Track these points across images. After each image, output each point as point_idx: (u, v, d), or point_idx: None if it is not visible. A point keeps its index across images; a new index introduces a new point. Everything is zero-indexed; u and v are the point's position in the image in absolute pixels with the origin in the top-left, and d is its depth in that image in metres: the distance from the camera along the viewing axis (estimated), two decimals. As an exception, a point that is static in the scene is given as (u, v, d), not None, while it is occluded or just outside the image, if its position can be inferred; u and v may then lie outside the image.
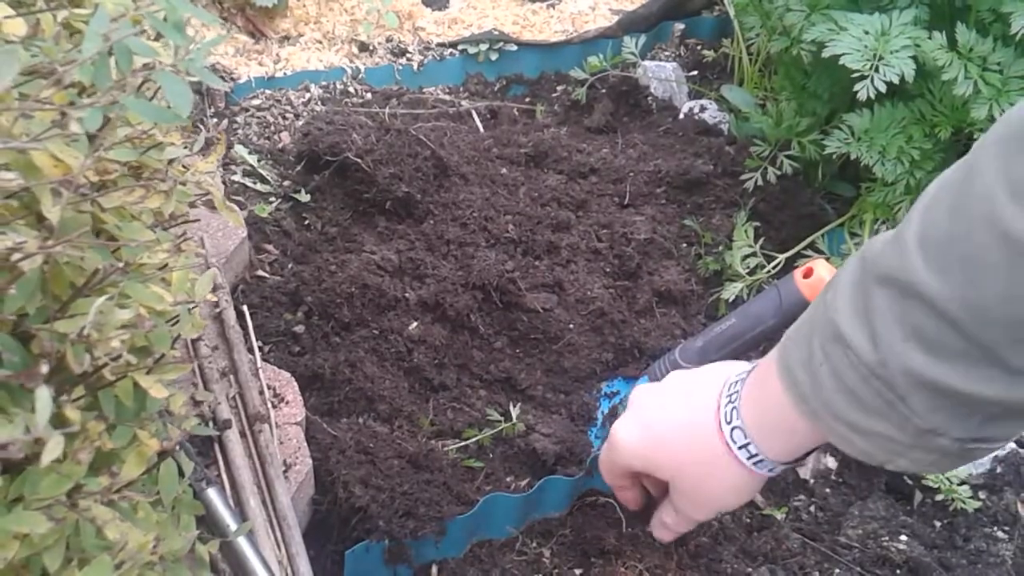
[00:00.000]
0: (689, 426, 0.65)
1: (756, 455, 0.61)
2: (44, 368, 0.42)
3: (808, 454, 0.63)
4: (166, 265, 0.60)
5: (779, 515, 1.06)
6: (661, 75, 1.62)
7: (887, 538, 1.03)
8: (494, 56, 1.70)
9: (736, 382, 0.63)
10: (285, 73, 1.56)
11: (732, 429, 0.61)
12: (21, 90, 0.48)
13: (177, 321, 0.62)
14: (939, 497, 1.08)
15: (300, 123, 1.45)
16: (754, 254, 1.28)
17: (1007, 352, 0.44)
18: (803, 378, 0.54)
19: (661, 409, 0.68)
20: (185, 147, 0.64)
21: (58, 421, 0.45)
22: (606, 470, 0.77)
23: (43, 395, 0.40)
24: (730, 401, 0.62)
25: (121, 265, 0.51)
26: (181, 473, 0.65)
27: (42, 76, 0.48)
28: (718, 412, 0.63)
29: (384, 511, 0.93)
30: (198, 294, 0.61)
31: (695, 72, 1.74)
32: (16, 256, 0.44)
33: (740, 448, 0.61)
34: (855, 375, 0.50)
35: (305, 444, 0.96)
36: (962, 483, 1.08)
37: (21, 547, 0.46)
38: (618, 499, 0.81)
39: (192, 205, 0.66)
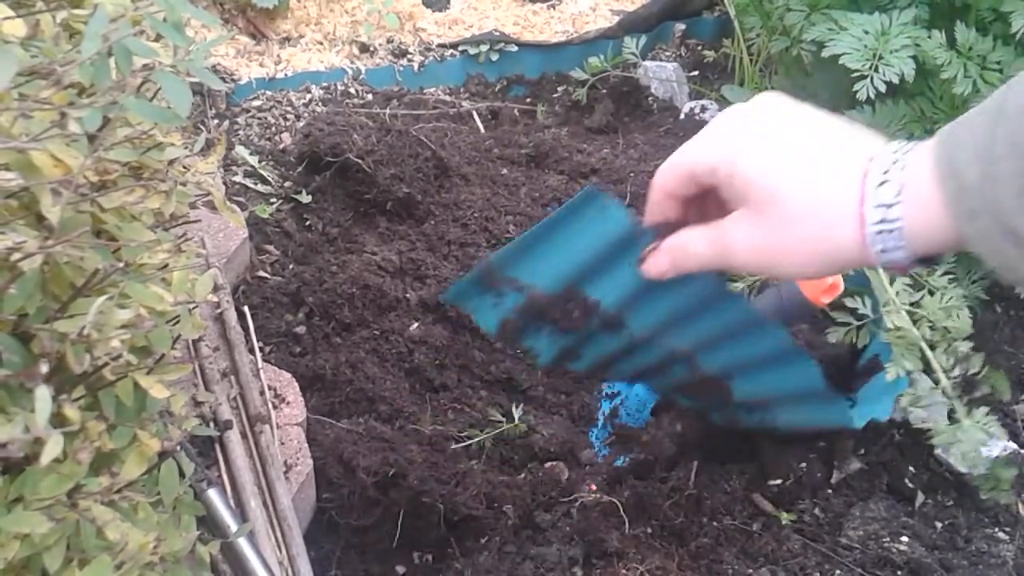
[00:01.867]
0: (825, 157, 0.55)
1: (892, 220, 0.51)
2: (44, 368, 0.42)
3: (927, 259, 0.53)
4: (166, 265, 0.60)
5: (780, 516, 1.06)
6: (662, 75, 1.62)
7: (888, 539, 1.02)
8: (495, 57, 1.70)
9: (896, 156, 0.52)
10: (286, 74, 1.56)
11: (881, 184, 0.51)
12: (21, 90, 0.48)
13: (177, 321, 0.62)
14: (940, 498, 1.07)
15: (301, 124, 1.45)
16: (755, 254, 1.27)
17: None
18: (970, 169, 0.47)
19: (791, 126, 0.57)
20: (185, 148, 0.64)
21: (58, 421, 0.45)
22: (668, 173, 0.63)
23: (43, 394, 0.40)
24: (896, 161, 0.52)
25: (121, 265, 0.51)
26: (182, 474, 0.65)
27: (42, 76, 0.48)
28: (868, 167, 0.52)
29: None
30: (198, 294, 0.61)
31: (696, 72, 1.74)
32: (16, 256, 0.44)
33: (876, 206, 0.51)
34: None
35: (306, 445, 0.96)
36: (964, 483, 1.08)
37: (22, 547, 0.46)
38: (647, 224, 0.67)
39: (193, 206, 0.66)
